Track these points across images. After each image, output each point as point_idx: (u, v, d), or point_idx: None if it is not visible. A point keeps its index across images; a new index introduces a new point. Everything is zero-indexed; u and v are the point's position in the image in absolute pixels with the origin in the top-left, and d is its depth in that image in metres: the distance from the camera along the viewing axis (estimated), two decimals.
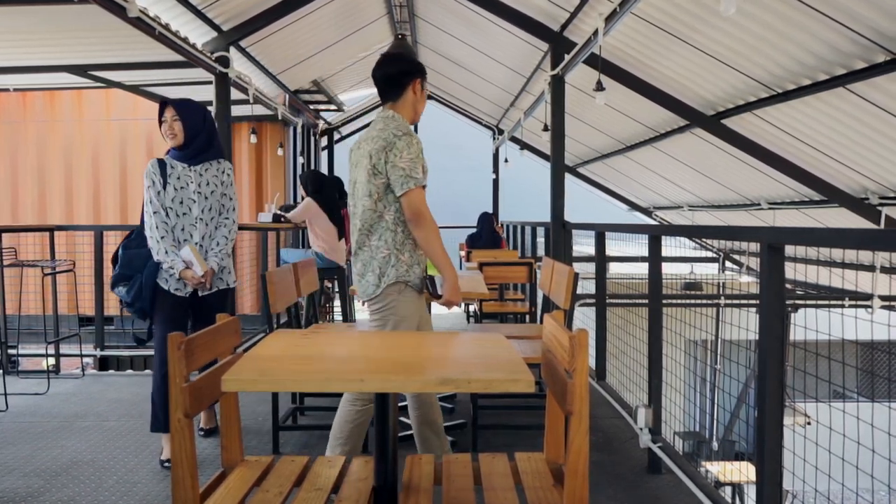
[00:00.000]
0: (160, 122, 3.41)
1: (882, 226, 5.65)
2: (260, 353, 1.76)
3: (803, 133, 5.44)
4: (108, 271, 7.03)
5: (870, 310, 6.84)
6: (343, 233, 6.39)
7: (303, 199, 6.35)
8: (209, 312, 3.29)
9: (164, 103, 3.46)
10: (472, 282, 3.70)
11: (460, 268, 6.66)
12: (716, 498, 2.76)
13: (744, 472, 7.48)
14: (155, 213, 3.21)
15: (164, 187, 3.24)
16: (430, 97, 11.92)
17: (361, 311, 9.78)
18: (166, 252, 3.21)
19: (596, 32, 4.49)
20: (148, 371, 6.74)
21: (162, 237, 3.21)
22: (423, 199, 2.68)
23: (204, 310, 3.37)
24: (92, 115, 8.83)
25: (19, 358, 5.87)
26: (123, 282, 3.40)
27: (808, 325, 3.62)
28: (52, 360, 5.31)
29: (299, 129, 9.93)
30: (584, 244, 9.46)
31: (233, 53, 5.75)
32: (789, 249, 2.54)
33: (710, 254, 10.98)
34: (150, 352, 7.08)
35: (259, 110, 7.50)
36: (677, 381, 7.29)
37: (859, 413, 3.51)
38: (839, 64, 4.27)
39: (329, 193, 6.34)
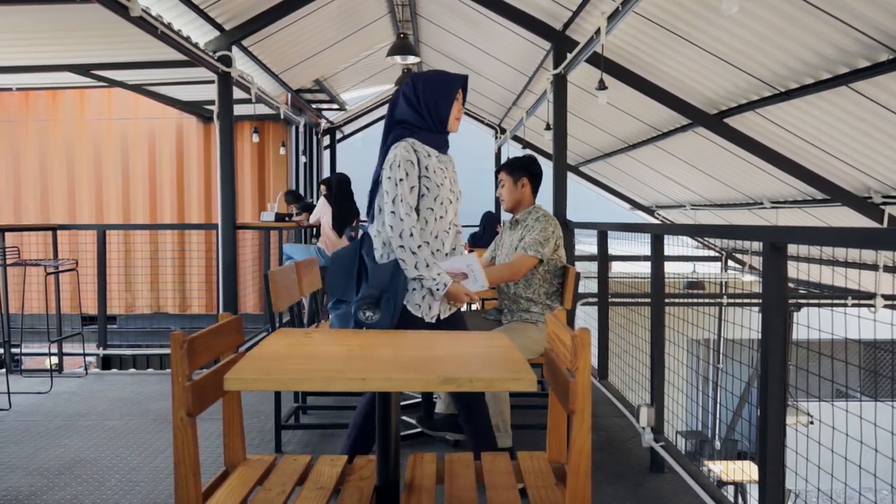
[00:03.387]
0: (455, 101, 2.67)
1: (885, 225, 5.64)
2: (262, 352, 1.76)
3: (806, 132, 5.43)
4: (111, 270, 7.05)
5: (872, 309, 6.83)
6: (344, 230, 6.42)
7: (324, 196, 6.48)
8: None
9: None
10: None
11: None
12: (718, 497, 2.75)
13: (746, 471, 7.47)
14: (407, 214, 2.52)
15: (419, 181, 2.59)
16: None
17: None
18: (427, 265, 2.52)
19: (598, 31, 4.49)
20: (150, 370, 6.76)
21: (419, 246, 2.53)
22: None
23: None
24: (94, 115, 8.84)
25: (22, 357, 5.89)
26: (370, 304, 2.55)
27: (810, 324, 3.62)
28: (54, 359, 5.32)
29: (301, 129, 9.93)
30: (586, 243, 9.46)
31: (235, 53, 5.75)
32: (792, 248, 2.54)
33: (712, 253, 10.96)
34: (152, 351, 7.15)
35: (261, 109, 7.51)
36: (680, 381, 7.29)
37: (862, 412, 3.51)
38: (842, 63, 4.26)
39: (339, 192, 6.40)
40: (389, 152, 2.58)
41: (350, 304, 2.58)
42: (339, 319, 2.64)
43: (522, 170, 3.55)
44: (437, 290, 2.54)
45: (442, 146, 2.66)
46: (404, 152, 2.53)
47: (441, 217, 2.61)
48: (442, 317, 2.69)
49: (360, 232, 2.74)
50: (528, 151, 10.54)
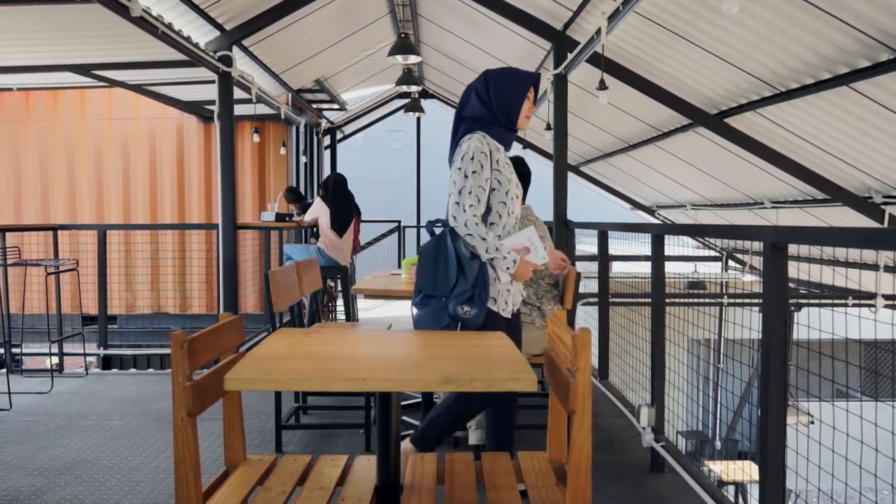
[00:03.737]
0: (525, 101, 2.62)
1: (885, 224, 5.64)
2: (263, 352, 1.76)
3: (806, 132, 5.43)
4: (111, 270, 7.05)
5: (873, 309, 6.83)
6: (344, 230, 6.41)
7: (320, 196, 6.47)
8: (515, 336, 2.72)
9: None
10: None
11: None
12: (719, 497, 2.75)
13: (747, 471, 7.47)
14: (471, 206, 2.47)
15: (491, 174, 2.54)
16: (433, 96, 11.93)
17: (364, 311, 9.79)
18: (497, 248, 2.48)
19: (599, 31, 4.48)
20: (151, 370, 6.76)
21: (486, 230, 2.50)
22: None
23: (513, 332, 2.70)
24: (94, 115, 8.84)
25: (23, 357, 5.89)
26: (468, 299, 2.50)
27: (811, 324, 3.61)
28: (55, 359, 5.32)
29: (302, 129, 9.94)
30: (586, 243, 9.46)
31: (235, 53, 5.75)
32: (792, 248, 2.53)
33: (713, 253, 10.96)
34: (152, 351, 7.14)
35: (262, 109, 7.51)
36: (680, 381, 7.28)
37: (862, 412, 3.51)
38: (843, 63, 4.26)
39: (336, 191, 6.39)
40: (462, 144, 2.55)
41: (440, 300, 2.53)
42: (428, 316, 2.56)
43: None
44: (508, 269, 2.50)
45: (508, 144, 2.65)
46: (478, 143, 2.50)
47: (511, 213, 2.59)
48: (513, 311, 2.66)
49: (440, 226, 2.67)
50: (528, 151, 10.53)
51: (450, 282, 2.50)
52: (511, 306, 2.64)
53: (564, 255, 2.88)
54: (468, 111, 2.61)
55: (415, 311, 2.65)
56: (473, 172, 2.47)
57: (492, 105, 2.56)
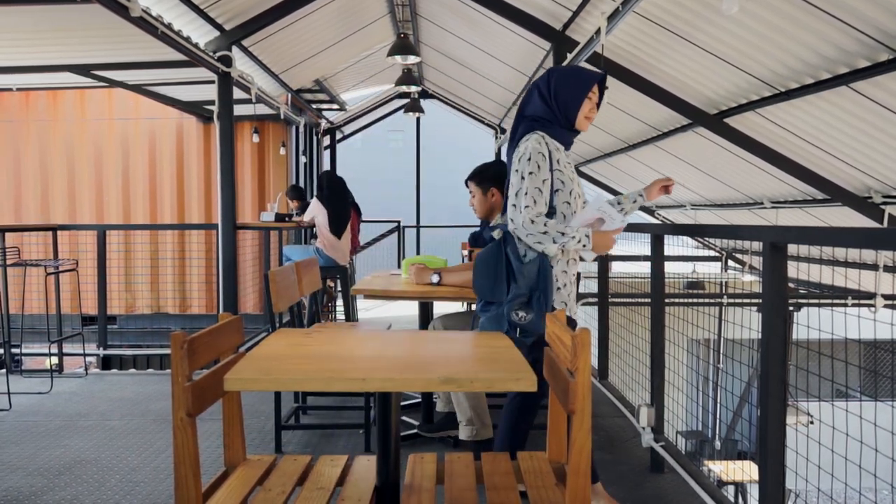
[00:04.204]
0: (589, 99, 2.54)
1: (885, 224, 5.64)
2: (262, 352, 1.76)
3: (806, 132, 5.43)
4: (111, 270, 7.05)
5: (873, 309, 6.83)
6: (342, 231, 6.41)
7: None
8: None
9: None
10: None
11: None
12: (718, 497, 2.75)
13: (746, 471, 7.48)
14: (526, 207, 2.40)
15: (551, 174, 2.47)
16: (432, 96, 11.93)
17: (363, 311, 9.79)
18: (562, 233, 2.38)
19: (598, 31, 4.48)
20: (150, 370, 6.76)
21: (545, 223, 2.40)
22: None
23: None
24: (94, 115, 8.84)
25: (22, 357, 5.89)
26: (522, 304, 2.45)
27: (810, 324, 3.61)
28: (55, 360, 5.33)
29: (301, 129, 9.94)
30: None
31: (235, 53, 5.75)
32: (792, 248, 2.53)
33: (712, 253, 10.96)
34: (152, 351, 7.14)
35: (261, 110, 7.51)
36: (680, 381, 7.28)
37: (862, 412, 3.51)
38: (842, 62, 4.26)
39: (332, 192, 6.38)
40: (520, 145, 2.49)
41: (500, 306, 2.49)
42: (490, 322, 2.54)
43: (490, 180, 3.49)
44: (585, 246, 2.41)
45: (569, 144, 2.57)
46: (536, 144, 2.44)
47: (575, 212, 2.50)
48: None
49: (500, 231, 2.65)
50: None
51: (505, 287, 2.48)
52: (575, 308, 2.59)
53: (667, 178, 2.70)
54: (529, 110, 2.55)
55: (480, 318, 2.63)
56: (530, 174, 2.41)
57: (552, 104, 2.50)
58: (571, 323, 2.53)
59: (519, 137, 2.53)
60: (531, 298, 2.42)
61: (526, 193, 2.41)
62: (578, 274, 2.64)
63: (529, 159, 2.42)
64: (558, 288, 2.49)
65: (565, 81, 2.52)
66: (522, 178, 2.43)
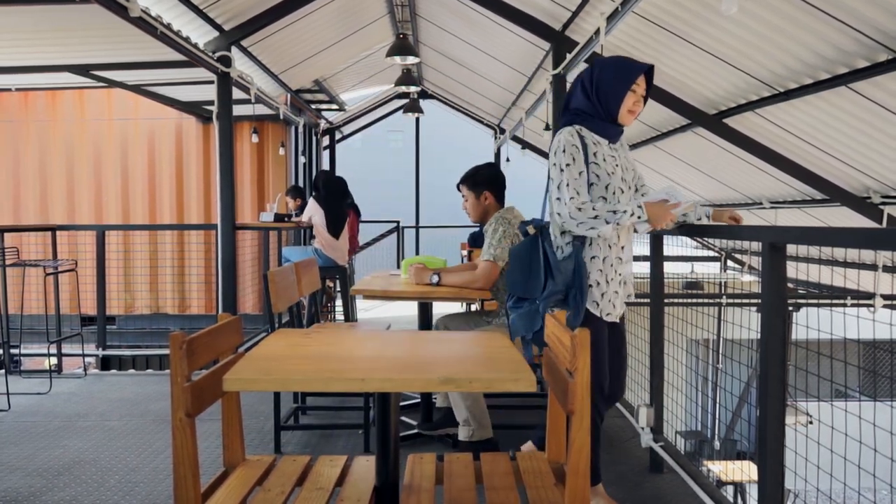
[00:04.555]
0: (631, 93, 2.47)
1: (884, 224, 5.64)
2: (261, 352, 1.76)
3: (805, 132, 5.44)
4: (110, 270, 7.03)
5: (872, 309, 6.83)
6: (340, 232, 6.41)
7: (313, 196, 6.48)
8: (620, 342, 2.63)
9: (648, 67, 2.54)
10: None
11: None
12: (717, 497, 2.75)
13: (745, 471, 7.47)
14: (571, 198, 2.37)
15: (587, 167, 2.43)
16: (432, 97, 11.93)
17: (363, 311, 9.78)
18: (613, 212, 2.34)
19: (597, 31, 4.49)
20: (150, 370, 6.76)
21: (594, 208, 2.36)
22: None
23: (615, 333, 2.60)
24: (93, 115, 8.83)
25: (21, 358, 5.89)
26: (558, 301, 2.41)
27: (809, 324, 3.62)
28: (54, 360, 5.32)
29: (301, 129, 9.93)
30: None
31: (234, 53, 5.75)
32: (791, 248, 2.53)
33: (711, 253, 10.97)
34: (151, 352, 7.14)
35: (260, 110, 7.50)
36: (679, 381, 7.28)
37: (861, 412, 3.51)
38: (841, 63, 4.27)
39: (329, 193, 6.38)
40: (554, 139, 2.46)
41: (533, 302, 2.43)
42: (521, 319, 2.48)
43: (483, 185, 3.51)
44: (640, 217, 2.34)
45: (613, 136, 2.50)
46: (568, 136, 2.40)
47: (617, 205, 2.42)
48: (620, 316, 2.53)
49: (534, 226, 2.57)
50: (527, 151, 10.53)
51: (540, 284, 2.42)
52: (619, 310, 2.52)
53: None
54: (573, 103, 2.50)
55: (510, 315, 2.55)
56: (567, 165, 2.38)
57: (593, 97, 2.44)
58: (597, 323, 2.44)
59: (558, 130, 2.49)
60: (567, 295, 2.37)
61: (567, 185, 2.37)
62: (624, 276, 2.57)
63: (564, 151, 2.39)
64: (590, 286, 2.44)
65: (607, 74, 2.45)
66: (561, 170, 2.40)
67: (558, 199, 2.40)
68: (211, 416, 2.10)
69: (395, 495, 1.80)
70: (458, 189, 3.60)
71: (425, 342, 2.06)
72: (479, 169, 3.59)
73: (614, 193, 2.44)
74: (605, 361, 2.49)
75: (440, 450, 3.44)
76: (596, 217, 2.33)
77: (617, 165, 2.48)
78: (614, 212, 2.34)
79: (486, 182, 3.52)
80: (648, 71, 2.50)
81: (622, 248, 2.52)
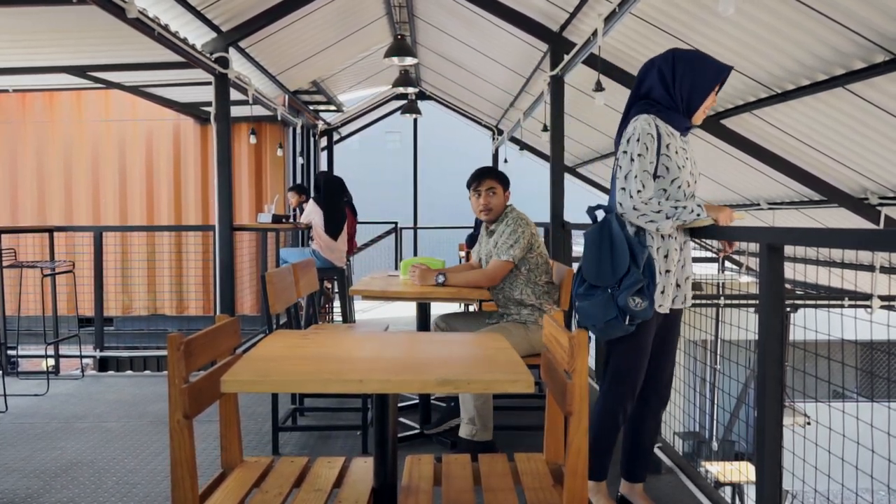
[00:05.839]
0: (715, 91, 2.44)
1: (881, 226, 5.65)
2: (259, 353, 1.76)
3: (802, 133, 5.44)
4: (108, 272, 7.02)
5: (869, 310, 6.84)
6: (339, 233, 6.41)
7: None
8: (672, 334, 2.59)
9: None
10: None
11: None
12: (715, 498, 2.76)
13: (743, 472, 7.48)
14: (637, 191, 2.35)
15: (657, 158, 2.39)
16: (430, 98, 11.93)
17: (361, 312, 9.78)
18: (675, 208, 2.33)
19: (595, 33, 4.49)
20: (147, 371, 6.75)
21: (658, 203, 2.35)
22: None
23: (671, 329, 2.58)
24: (91, 116, 8.83)
25: (19, 359, 5.87)
26: (639, 290, 2.34)
27: (807, 325, 3.62)
28: (51, 361, 5.31)
29: (299, 130, 9.93)
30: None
31: (232, 54, 5.75)
32: (788, 249, 2.53)
33: (709, 254, 10.97)
34: (149, 353, 7.13)
35: (258, 111, 7.50)
36: (677, 382, 7.27)
37: (859, 413, 3.51)
38: (838, 64, 4.27)
39: (328, 193, 6.38)
40: (629, 125, 2.40)
41: (606, 290, 2.37)
42: (594, 308, 2.39)
43: (506, 181, 3.59)
44: (699, 216, 2.34)
45: (684, 130, 2.47)
46: (645, 125, 2.35)
47: (678, 201, 2.39)
48: (674, 307, 2.49)
49: (603, 211, 2.52)
50: (525, 152, 10.53)
51: (617, 271, 2.35)
52: (671, 301, 2.47)
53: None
54: (646, 89, 2.44)
55: (577, 303, 2.49)
56: (639, 155, 2.33)
57: (674, 91, 2.39)
58: (663, 318, 2.44)
59: (632, 117, 2.43)
60: (643, 285, 2.34)
61: (636, 177, 2.33)
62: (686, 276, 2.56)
63: (638, 140, 2.34)
64: (659, 275, 2.42)
65: (693, 70, 2.40)
66: (631, 160, 2.35)
67: (623, 189, 2.35)
68: (209, 418, 2.10)
69: (394, 496, 1.79)
70: (479, 184, 3.53)
71: (423, 343, 2.06)
72: (493, 168, 3.68)
73: (680, 187, 2.40)
74: (644, 363, 2.47)
75: (438, 451, 3.44)
76: (659, 212, 2.32)
77: (687, 159, 2.45)
78: (676, 207, 2.33)
79: (506, 179, 3.60)
80: (728, 74, 2.47)
81: (684, 242, 2.49)
